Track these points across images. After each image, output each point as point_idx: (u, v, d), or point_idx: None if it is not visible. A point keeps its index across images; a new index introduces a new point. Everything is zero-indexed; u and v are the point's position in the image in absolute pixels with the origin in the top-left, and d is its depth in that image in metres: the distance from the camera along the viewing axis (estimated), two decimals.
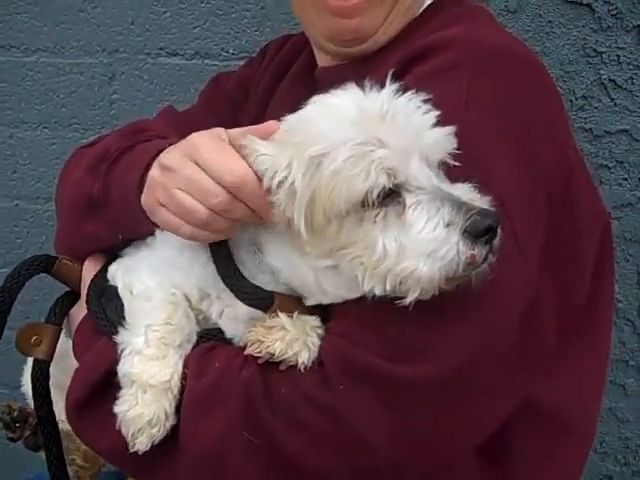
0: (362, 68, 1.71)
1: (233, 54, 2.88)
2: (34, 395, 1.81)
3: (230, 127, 1.51)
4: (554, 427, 1.69)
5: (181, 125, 2.04)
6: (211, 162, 1.41)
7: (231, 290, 1.51)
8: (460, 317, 1.41)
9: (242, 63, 2.77)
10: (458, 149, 1.40)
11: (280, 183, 1.38)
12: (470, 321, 1.42)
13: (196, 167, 1.42)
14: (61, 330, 1.83)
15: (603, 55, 2.65)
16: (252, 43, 2.83)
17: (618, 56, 2.64)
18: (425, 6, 1.82)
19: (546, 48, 2.64)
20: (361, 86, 1.41)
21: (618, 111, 2.70)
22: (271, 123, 1.45)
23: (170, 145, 1.62)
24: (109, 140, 1.88)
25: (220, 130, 1.48)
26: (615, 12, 2.59)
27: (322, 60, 1.93)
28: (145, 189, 1.54)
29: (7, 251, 3.18)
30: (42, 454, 1.89)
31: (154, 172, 1.51)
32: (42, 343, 1.80)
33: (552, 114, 1.63)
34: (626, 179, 2.76)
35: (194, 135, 1.48)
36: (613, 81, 2.67)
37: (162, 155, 1.51)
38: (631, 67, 2.65)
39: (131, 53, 2.92)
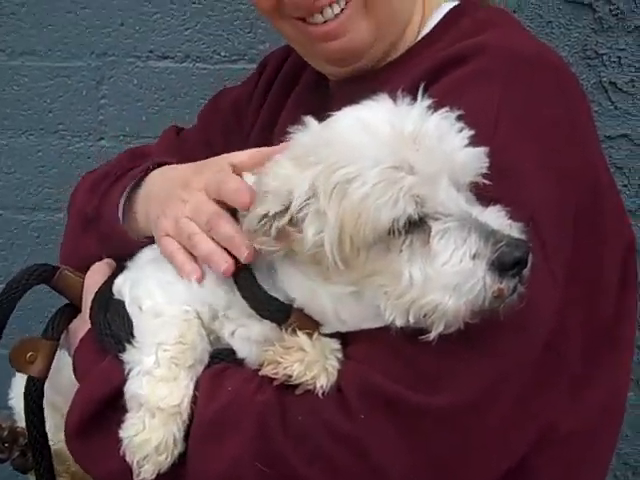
0: (381, 79, 1.69)
1: (225, 57, 2.83)
2: (26, 414, 1.73)
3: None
4: (574, 450, 1.64)
5: (178, 151, 2.08)
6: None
7: (246, 300, 1.46)
8: (484, 344, 1.37)
9: (234, 66, 2.79)
10: (489, 166, 1.36)
11: (302, 207, 1.33)
12: (494, 349, 1.38)
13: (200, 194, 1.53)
14: (57, 345, 1.76)
15: (604, 57, 2.63)
16: (245, 45, 2.79)
17: (619, 57, 2.63)
18: (444, 14, 1.78)
19: None
20: (393, 97, 1.37)
21: (619, 115, 2.68)
22: (274, 149, 1.48)
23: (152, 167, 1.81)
24: (111, 163, 2.01)
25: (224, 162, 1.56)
26: (616, 12, 2.57)
27: (332, 75, 1.89)
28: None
29: None
30: (30, 476, 1.83)
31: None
32: (37, 360, 1.73)
33: (581, 124, 1.60)
34: (626, 185, 2.74)
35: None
36: (614, 84, 2.65)
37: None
38: (632, 69, 2.63)
39: (120, 56, 2.87)
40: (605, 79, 2.64)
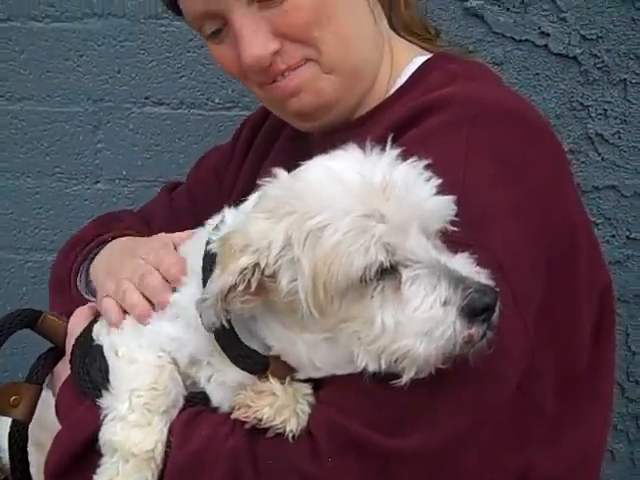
0: (357, 130, 1.71)
1: (219, 104, 2.87)
2: (10, 457, 1.76)
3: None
4: None
5: (169, 212, 2.24)
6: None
7: (226, 352, 1.47)
8: (455, 387, 1.38)
9: (228, 113, 2.83)
10: (458, 212, 1.38)
11: (278, 258, 1.34)
12: (466, 391, 1.39)
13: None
14: (41, 389, 1.78)
15: (590, 109, 2.65)
16: (238, 92, 2.82)
17: (605, 110, 2.64)
18: (417, 67, 1.81)
19: (533, 101, 2.61)
20: (362, 147, 1.39)
21: (606, 166, 2.69)
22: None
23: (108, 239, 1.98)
24: (86, 227, 2.16)
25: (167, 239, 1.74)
26: (601, 65, 2.59)
27: (306, 130, 1.92)
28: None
29: None
30: None
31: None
32: (21, 403, 1.75)
33: (554, 171, 1.61)
34: (614, 236, 2.74)
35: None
36: (600, 135, 2.67)
37: None
38: (618, 121, 2.65)
39: (117, 102, 2.92)
40: (592, 131, 2.66)
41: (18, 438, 1.74)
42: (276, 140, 2.08)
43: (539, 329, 1.49)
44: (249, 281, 1.35)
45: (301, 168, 1.43)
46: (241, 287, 1.35)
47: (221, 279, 1.35)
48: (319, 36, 1.68)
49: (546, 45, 2.63)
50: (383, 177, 1.34)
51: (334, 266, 1.29)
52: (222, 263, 1.38)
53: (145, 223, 2.16)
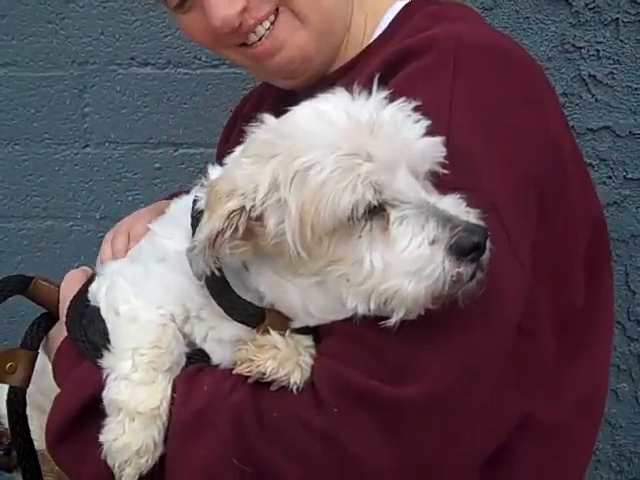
0: (340, 81, 1.67)
1: (206, 62, 2.84)
2: (10, 422, 1.75)
3: None
4: (555, 440, 1.64)
5: None
6: None
7: (218, 303, 1.46)
8: (455, 331, 1.36)
9: (215, 71, 2.82)
10: (446, 156, 1.36)
11: (265, 200, 1.32)
12: (466, 335, 1.37)
13: None
14: (37, 354, 1.77)
15: (582, 50, 2.63)
16: None
17: (597, 51, 2.62)
18: (397, 13, 1.79)
19: (524, 45, 2.59)
20: (350, 91, 1.38)
21: (600, 107, 2.68)
22: None
23: None
24: None
25: None
26: (593, 6, 2.57)
27: (292, 88, 1.90)
28: None
29: None
30: (15, 475, 1.85)
31: None
32: (17, 369, 1.74)
33: (541, 109, 1.59)
34: (610, 177, 2.73)
35: None
36: (593, 76, 2.65)
37: None
38: (611, 62, 2.63)
39: (102, 64, 2.88)
40: (585, 72, 2.64)
41: (17, 404, 1.74)
42: (261, 107, 2.04)
43: (535, 265, 1.48)
44: (236, 225, 1.34)
45: (289, 112, 1.42)
46: (229, 232, 1.34)
47: (208, 225, 1.35)
48: None
49: None
50: (370, 116, 1.33)
51: (321, 205, 1.28)
52: (209, 209, 1.37)
53: None
